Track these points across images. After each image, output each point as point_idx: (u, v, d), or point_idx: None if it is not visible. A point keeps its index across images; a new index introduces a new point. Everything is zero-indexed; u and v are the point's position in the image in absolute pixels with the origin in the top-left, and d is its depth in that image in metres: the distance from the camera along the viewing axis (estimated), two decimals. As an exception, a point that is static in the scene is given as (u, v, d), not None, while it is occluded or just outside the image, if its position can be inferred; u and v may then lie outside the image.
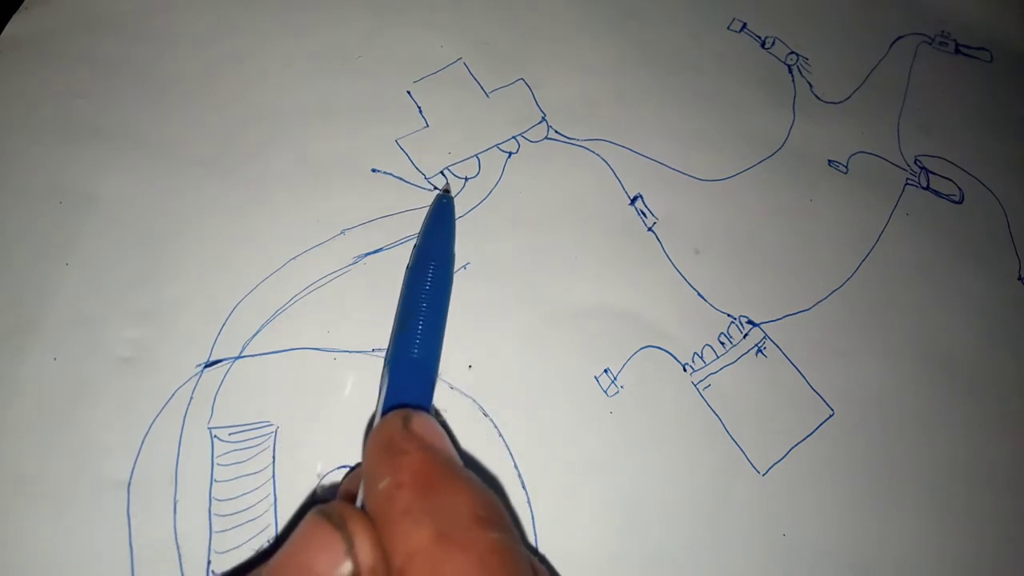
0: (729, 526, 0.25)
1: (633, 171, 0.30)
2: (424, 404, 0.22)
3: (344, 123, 0.29)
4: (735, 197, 0.30)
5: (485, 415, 0.25)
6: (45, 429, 0.23)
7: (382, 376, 0.24)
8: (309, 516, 0.17)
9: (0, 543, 0.21)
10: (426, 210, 0.28)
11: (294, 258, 0.26)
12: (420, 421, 0.19)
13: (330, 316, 0.25)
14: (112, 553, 0.21)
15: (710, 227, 0.30)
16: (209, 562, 0.22)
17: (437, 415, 0.24)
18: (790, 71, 0.34)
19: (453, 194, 0.28)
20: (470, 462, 0.24)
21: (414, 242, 0.27)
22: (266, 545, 0.22)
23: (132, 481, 0.22)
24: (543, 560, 0.23)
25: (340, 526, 0.16)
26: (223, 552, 0.22)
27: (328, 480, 0.23)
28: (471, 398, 0.25)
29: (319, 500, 0.23)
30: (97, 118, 0.28)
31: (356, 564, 0.16)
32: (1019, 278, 0.31)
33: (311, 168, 0.28)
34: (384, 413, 0.20)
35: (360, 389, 0.24)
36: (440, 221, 0.27)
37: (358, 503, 0.18)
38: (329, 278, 0.26)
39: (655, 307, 0.28)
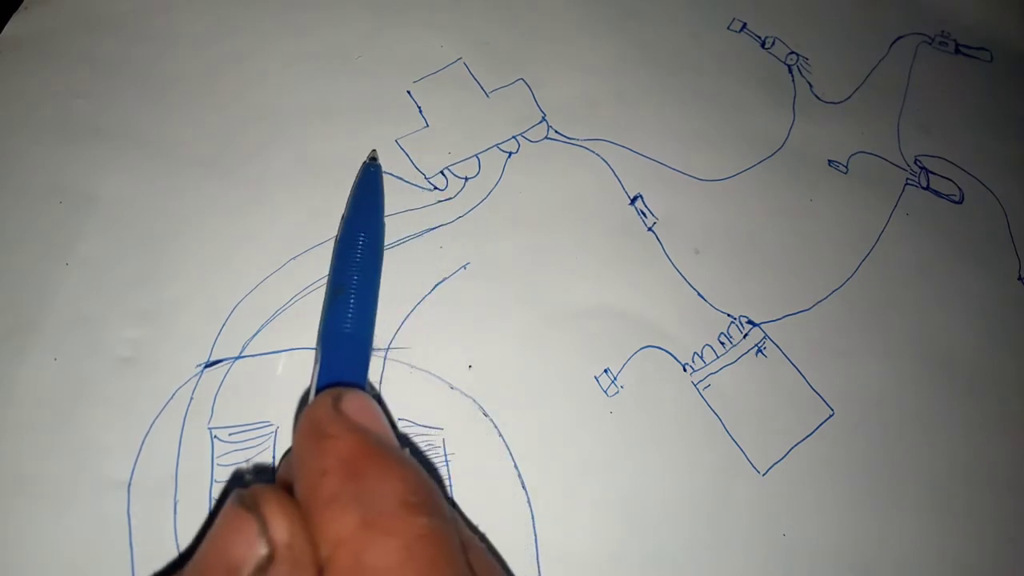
0: (729, 526, 0.25)
1: (633, 171, 0.30)
2: (359, 381, 0.21)
3: (344, 123, 0.29)
4: (735, 197, 0.30)
5: (485, 415, 0.25)
6: (45, 429, 0.23)
7: (315, 355, 0.23)
8: (227, 502, 0.16)
9: (0, 543, 0.21)
10: (422, 207, 0.28)
11: (294, 258, 0.26)
12: (352, 400, 0.18)
13: (330, 316, 0.25)
14: (112, 553, 0.21)
15: (710, 227, 0.30)
16: (209, 562, 0.22)
17: (373, 391, 0.24)
18: (790, 71, 0.34)
19: (453, 195, 0.28)
20: (406, 441, 0.24)
21: (395, 238, 0.27)
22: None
23: (132, 481, 0.22)
24: (483, 539, 0.23)
25: (252, 507, 0.16)
26: (223, 552, 0.22)
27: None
28: (471, 398, 0.25)
29: (245, 484, 0.22)
30: (97, 118, 0.28)
31: (272, 544, 0.15)
32: (1019, 278, 0.31)
33: (311, 168, 0.28)
34: (317, 392, 0.20)
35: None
36: (367, 189, 0.26)
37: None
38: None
39: (655, 307, 0.28)
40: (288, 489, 0.18)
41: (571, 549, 0.23)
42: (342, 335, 0.22)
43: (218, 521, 0.16)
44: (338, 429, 0.17)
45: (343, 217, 0.26)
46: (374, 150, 0.28)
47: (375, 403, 0.19)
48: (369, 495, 0.16)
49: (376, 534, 0.15)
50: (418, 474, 0.17)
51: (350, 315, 0.22)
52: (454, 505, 0.23)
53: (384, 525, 0.15)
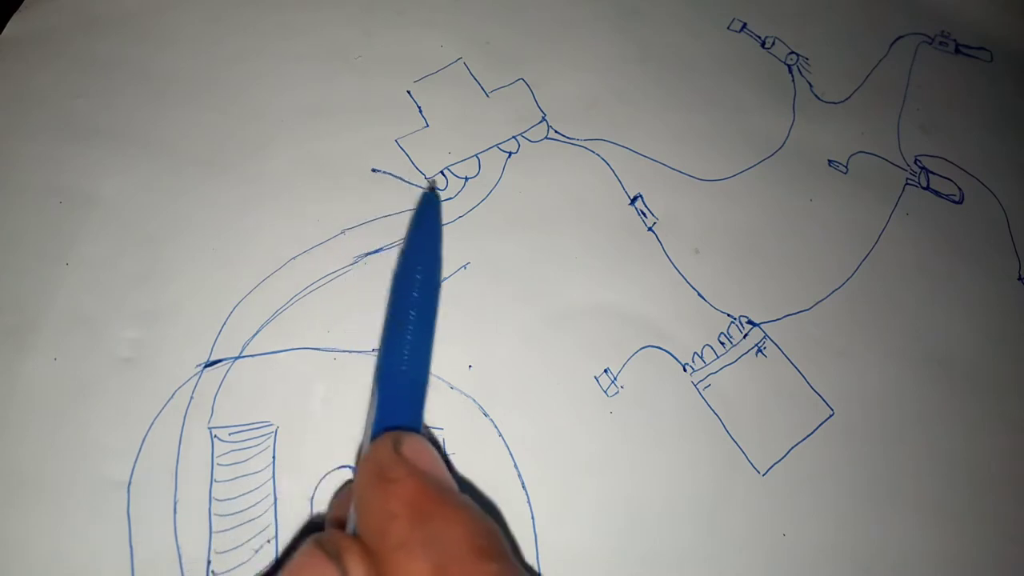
0: (729, 526, 0.25)
1: (633, 171, 0.30)
2: (415, 424, 0.21)
3: (344, 123, 0.29)
4: (735, 197, 0.30)
5: (485, 415, 0.25)
6: (45, 429, 0.23)
7: (371, 393, 0.23)
8: (305, 545, 0.17)
9: (0, 543, 0.21)
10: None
11: (294, 258, 0.26)
12: (411, 444, 0.18)
13: (330, 316, 0.25)
14: (112, 553, 0.21)
15: (710, 227, 0.30)
16: (209, 562, 0.22)
17: (428, 434, 0.24)
18: (790, 71, 0.34)
19: (453, 195, 0.28)
20: (465, 485, 0.24)
21: (395, 238, 0.27)
22: (265, 545, 0.22)
23: (132, 481, 0.22)
24: None
25: (335, 556, 0.16)
26: (223, 552, 0.22)
27: (328, 480, 0.23)
28: (471, 398, 0.25)
29: (314, 527, 0.22)
30: (97, 118, 0.28)
31: None
32: (1019, 278, 0.31)
33: (311, 168, 0.28)
34: (374, 435, 0.20)
35: (361, 388, 0.24)
36: (425, 221, 0.25)
37: (348, 528, 0.18)
38: (329, 278, 0.26)
39: (655, 307, 0.28)
40: (341, 528, 0.18)
41: (571, 549, 0.23)
42: (399, 375, 0.21)
43: (298, 563, 0.16)
44: (401, 473, 0.17)
45: (400, 250, 0.26)
46: (432, 178, 0.27)
47: (433, 448, 0.19)
48: (438, 540, 0.16)
49: None
50: (483, 518, 0.17)
51: (406, 355, 0.22)
52: (516, 551, 0.23)
53: (455, 572, 0.15)
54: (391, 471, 0.17)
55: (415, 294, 0.23)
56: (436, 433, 0.24)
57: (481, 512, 0.17)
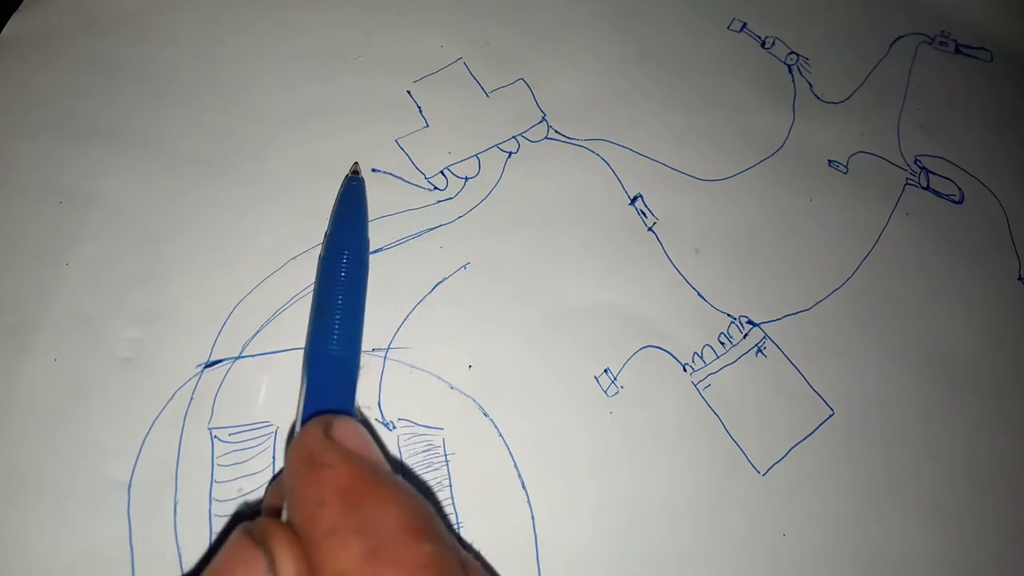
0: (729, 526, 0.25)
1: (633, 171, 0.30)
2: (347, 407, 0.21)
3: (344, 123, 0.29)
4: (735, 197, 0.30)
5: (485, 415, 0.25)
6: (45, 429, 0.23)
7: (301, 378, 0.23)
8: (233, 533, 0.16)
9: (0, 543, 0.21)
10: (422, 207, 0.28)
11: (294, 258, 0.26)
12: (342, 428, 0.18)
13: (330, 316, 0.25)
14: (112, 553, 0.21)
15: (710, 227, 0.30)
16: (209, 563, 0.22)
17: (361, 416, 0.24)
18: (790, 71, 0.34)
19: (453, 195, 0.28)
20: (398, 465, 0.24)
21: (395, 238, 0.27)
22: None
23: (132, 481, 0.22)
24: (479, 557, 0.23)
25: (261, 542, 0.16)
26: (223, 552, 0.22)
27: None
28: (471, 398, 0.25)
29: (244, 516, 0.22)
30: (96, 118, 0.28)
31: None
32: (1019, 278, 0.31)
33: (311, 168, 0.28)
34: (304, 419, 0.19)
35: (361, 389, 0.24)
36: (350, 204, 0.25)
37: (283, 516, 0.18)
38: (329, 278, 0.26)
39: (655, 307, 0.28)
40: (277, 515, 0.18)
41: (571, 549, 0.23)
42: (328, 358, 0.21)
43: (225, 550, 0.16)
44: (332, 458, 0.17)
45: (325, 233, 0.26)
46: (356, 163, 0.27)
47: (365, 430, 0.19)
48: (370, 525, 0.16)
49: (380, 565, 0.15)
50: (416, 500, 0.17)
51: (335, 337, 0.22)
52: (450, 527, 0.23)
53: (387, 555, 0.15)
54: (321, 456, 0.17)
55: (342, 275, 0.23)
56: (436, 433, 0.24)
57: (415, 493, 0.17)
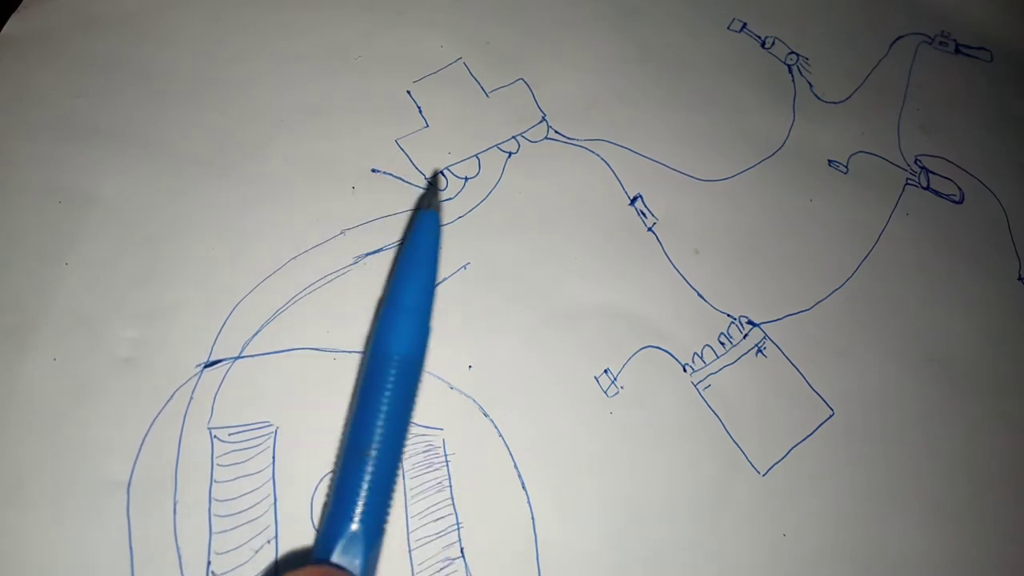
0: (729, 526, 0.25)
1: (633, 171, 0.30)
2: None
3: (344, 123, 0.29)
4: (735, 197, 0.30)
5: (485, 415, 0.25)
6: (45, 429, 0.23)
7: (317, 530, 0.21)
8: None
9: (0, 543, 0.21)
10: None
11: (294, 258, 0.26)
12: None
13: (330, 316, 0.25)
14: (112, 553, 0.21)
15: (710, 227, 0.30)
16: (209, 563, 0.22)
17: None
18: (790, 71, 0.34)
19: (453, 196, 0.28)
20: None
21: (395, 238, 0.25)
22: (265, 545, 0.22)
23: (132, 481, 0.22)
24: None
25: None
26: (223, 553, 0.22)
27: (328, 480, 0.23)
28: (471, 398, 0.25)
29: None
30: (96, 117, 0.28)
31: None
32: (1019, 278, 0.31)
33: (311, 168, 0.28)
34: (315, 555, 0.18)
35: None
36: (421, 262, 0.19)
37: None
38: (329, 278, 0.26)
39: (655, 307, 0.28)
40: None
41: (571, 549, 0.23)
42: (346, 531, 0.18)
43: None
44: None
45: (372, 332, 0.20)
46: (438, 173, 0.23)
47: None
48: None
49: None
50: None
51: (361, 503, 0.17)
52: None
53: None
54: None
55: (384, 408, 0.17)
56: (436, 433, 0.24)
57: None
